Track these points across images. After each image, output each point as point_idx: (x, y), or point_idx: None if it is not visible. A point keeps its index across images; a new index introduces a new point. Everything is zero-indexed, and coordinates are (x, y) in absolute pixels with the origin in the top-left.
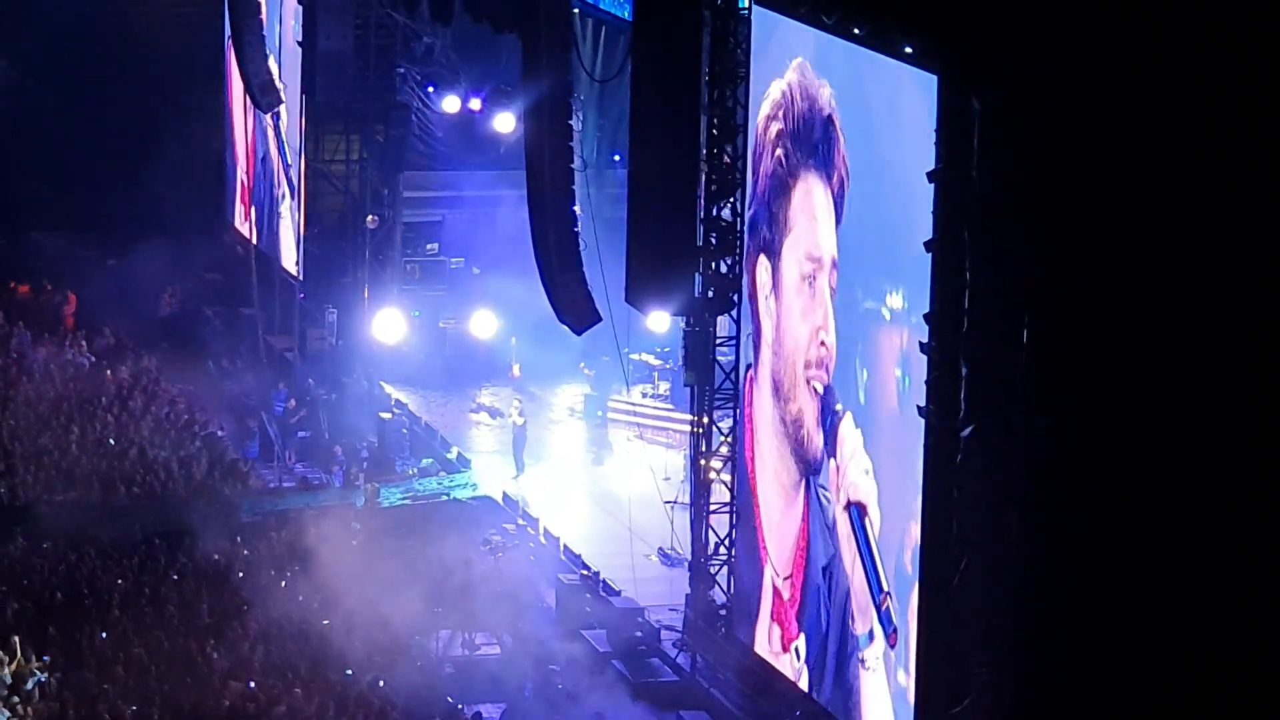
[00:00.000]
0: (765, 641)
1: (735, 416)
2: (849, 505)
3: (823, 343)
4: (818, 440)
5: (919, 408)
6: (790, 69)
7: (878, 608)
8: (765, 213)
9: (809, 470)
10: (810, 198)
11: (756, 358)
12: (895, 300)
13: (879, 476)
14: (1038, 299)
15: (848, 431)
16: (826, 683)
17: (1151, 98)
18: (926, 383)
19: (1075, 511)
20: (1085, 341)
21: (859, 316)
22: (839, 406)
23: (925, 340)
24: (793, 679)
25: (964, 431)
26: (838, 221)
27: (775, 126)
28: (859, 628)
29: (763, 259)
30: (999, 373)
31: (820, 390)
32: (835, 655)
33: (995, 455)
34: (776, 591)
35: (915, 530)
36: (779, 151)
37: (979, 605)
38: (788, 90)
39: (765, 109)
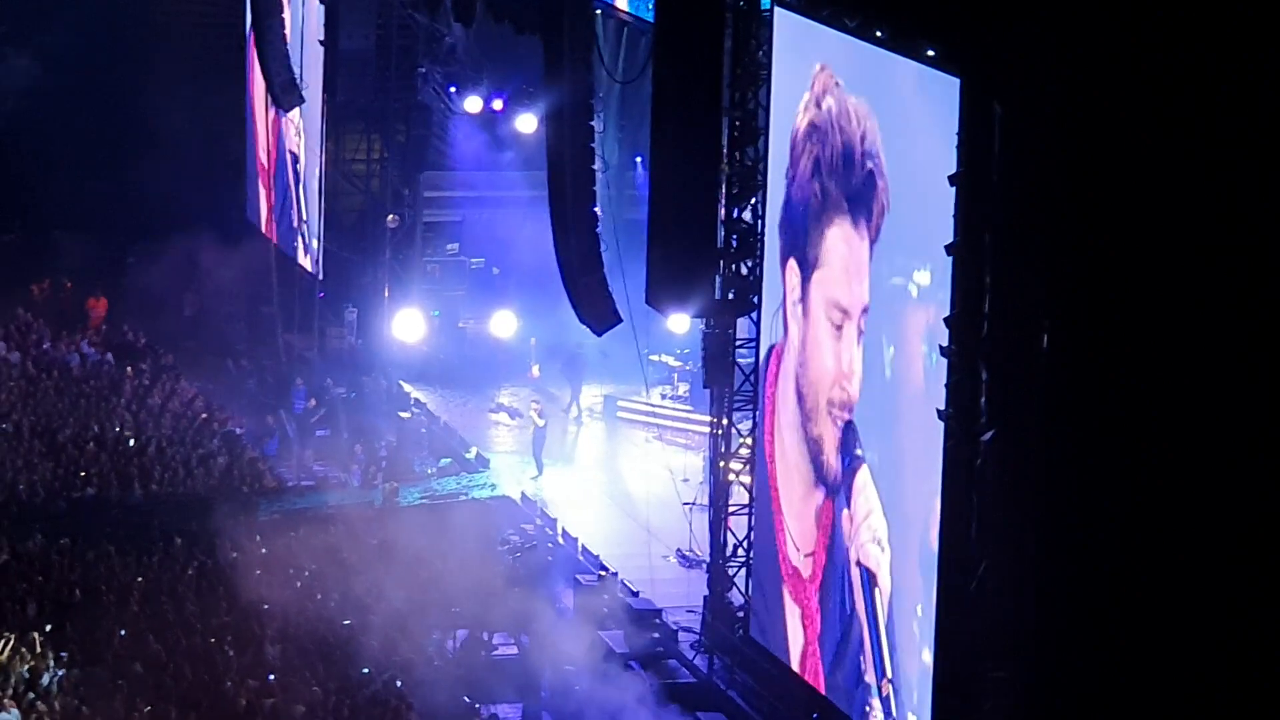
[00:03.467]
0: (782, 623)
1: (754, 418)
2: (860, 565)
3: (845, 389)
4: (836, 468)
5: (938, 411)
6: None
7: (878, 689)
8: (802, 224)
9: (830, 493)
10: (846, 245)
11: (783, 342)
12: (923, 277)
13: (893, 541)
14: (1058, 303)
15: (864, 483)
16: (848, 662)
17: (1174, 102)
18: (946, 386)
19: (1093, 516)
20: (1105, 346)
21: (886, 292)
22: (859, 451)
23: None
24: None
25: (984, 436)
26: (871, 257)
27: (811, 148)
28: (867, 676)
29: (793, 263)
30: (1019, 377)
31: (841, 425)
32: (854, 644)
33: (1014, 460)
34: (796, 571)
35: (927, 592)
36: (815, 183)
37: (996, 610)
38: (827, 116)
39: (804, 118)
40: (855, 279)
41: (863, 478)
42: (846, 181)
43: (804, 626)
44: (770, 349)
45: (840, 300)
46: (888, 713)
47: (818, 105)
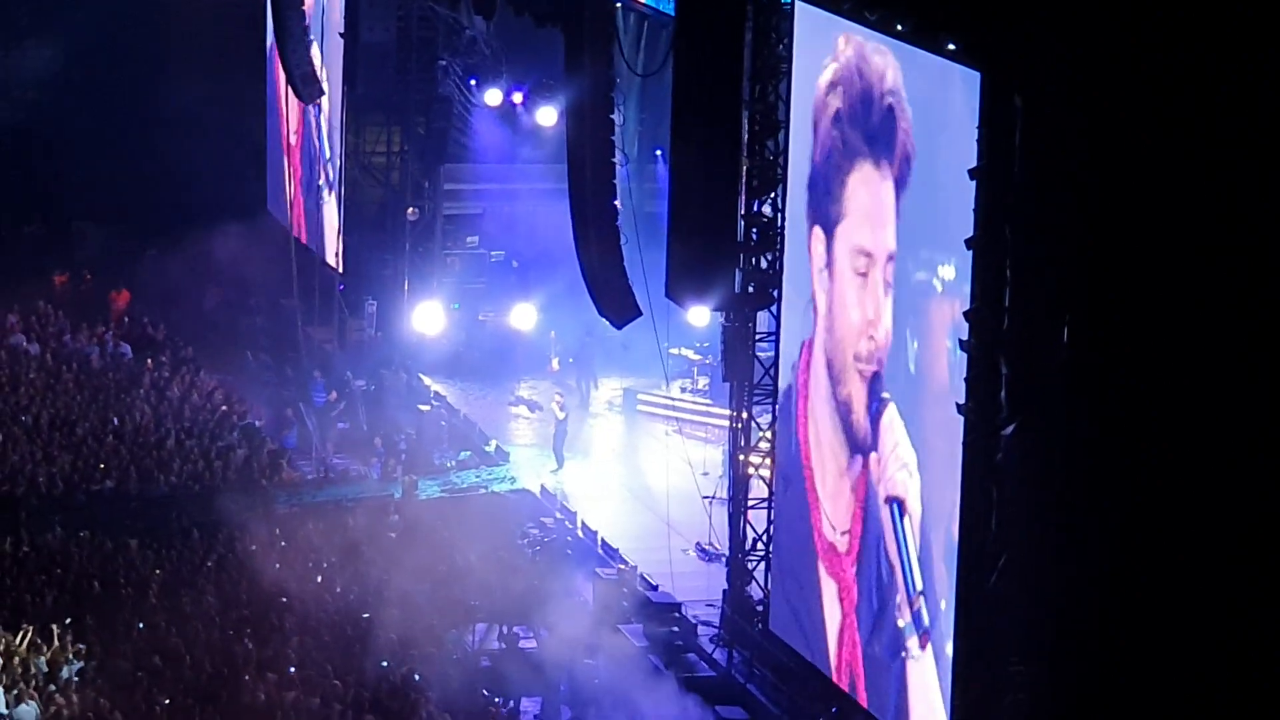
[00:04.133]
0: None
1: (774, 411)
2: (889, 500)
3: (872, 338)
4: (866, 425)
5: (958, 405)
6: (851, 41)
7: (911, 605)
8: (823, 185)
9: (860, 451)
10: (866, 189)
11: (814, 327)
12: (947, 271)
13: (923, 470)
14: (1079, 297)
15: (891, 421)
16: (886, 632)
17: (1195, 96)
18: (966, 380)
19: (1114, 510)
20: (1126, 340)
21: (910, 288)
22: (885, 394)
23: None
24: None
25: (1005, 430)
26: (898, 213)
27: (834, 103)
28: (901, 619)
29: (818, 229)
30: (1039, 371)
31: (869, 377)
32: (891, 616)
33: (1034, 454)
34: (831, 546)
35: (955, 529)
36: (835, 133)
37: (1017, 604)
38: (850, 60)
39: (826, 75)
40: (878, 224)
41: (889, 416)
42: (866, 123)
43: (840, 600)
44: (802, 343)
45: (863, 245)
46: (919, 624)
47: (837, 60)
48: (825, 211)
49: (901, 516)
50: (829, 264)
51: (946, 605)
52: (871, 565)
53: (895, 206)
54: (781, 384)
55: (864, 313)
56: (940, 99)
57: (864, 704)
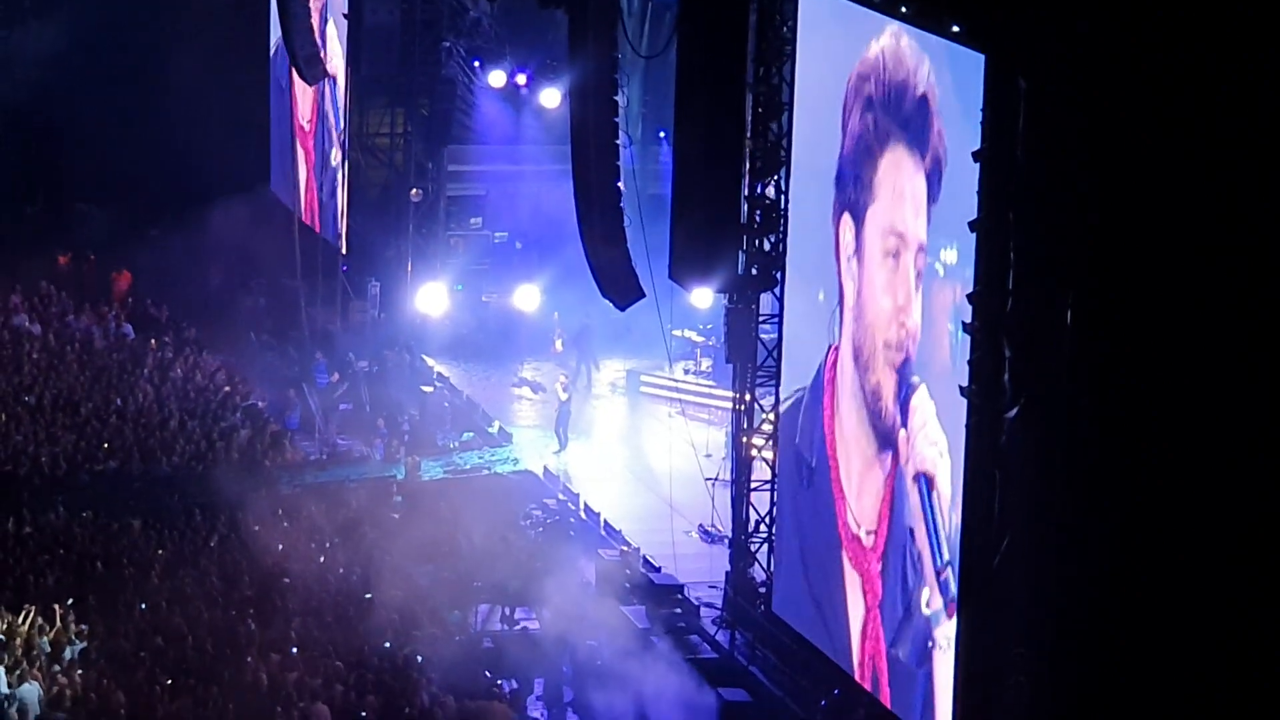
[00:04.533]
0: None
1: (776, 394)
2: (917, 476)
3: (903, 324)
4: (894, 412)
5: (961, 388)
6: (886, 33)
7: (938, 576)
8: (851, 173)
9: (887, 443)
10: (897, 171)
11: (840, 327)
12: (950, 255)
13: (954, 453)
14: (1082, 280)
15: (921, 402)
16: (911, 641)
17: (1200, 78)
18: (969, 363)
19: (1118, 494)
20: (1129, 323)
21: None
22: (915, 378)
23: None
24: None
25: (1009, 413)
26: (931, 202)
27: (866, 88)
28: (931, 605)
29: (847, 218)
30: (1042, 353)
31: (899, 364)
32: (919, 621)
33: (1038, 436)
34: (856, 539)
35: None
36: (868, 116)
37: (1020, 587)
38: (881, 54)
39: (857, 66)
40: (911, 207)
41: (919, 397)
42: (898, 109)
43: (864, 594)
44: (829, 346)
45: (895, 225)
46: (945, 593)
47: (869, 53)
48: (854, 200)
49: (930, 492)
50: (858, 251)
51: None
52: (898, 563)
53: (927, 198)
54: (804, 382)
55: (894, 299)
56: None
57: (887, 702)
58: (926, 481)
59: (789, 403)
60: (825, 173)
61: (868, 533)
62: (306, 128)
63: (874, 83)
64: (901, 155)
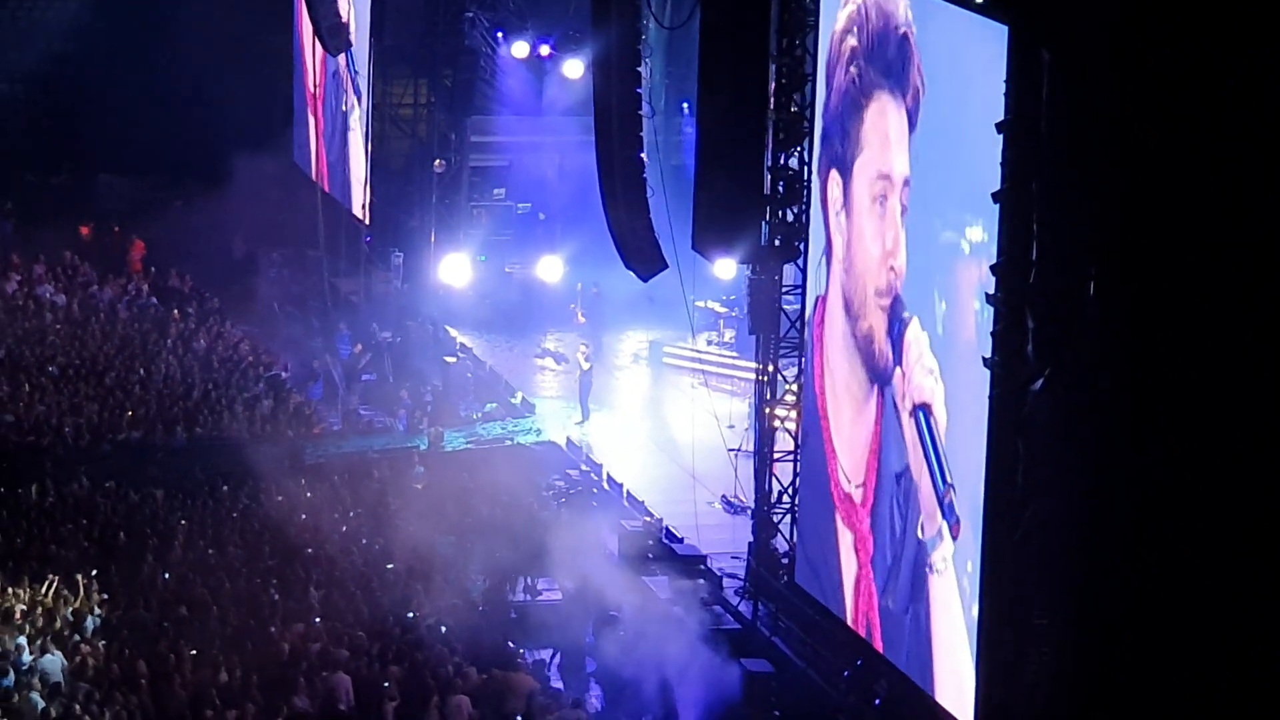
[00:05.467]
0: (835, 552)
1: (800, 364)
2: (915, 409)
3: (892, 268)
4: (888, 351)
5: (984, 359)
6: None
7: (940, 501)
8: (838, 128)
9: (879, 380)
10: (884, 118)
11: (828, 278)
12: (975, 233)
13: (945, 376)
14: (1105, 251)
15: (914, 335)
16: (899, 587)
17: (1223, 50)
18: (993, 334)
19: (1141, 465)
20: (1153, 294)
21: (938, 249)
22: (906, 314)
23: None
24: (860, 586)
25: (1034, 385)
26: (911, 132)
27: (850, 42)
28: (927, 531)
29: (834, 174)
30: (1065, 325)
31: (889, 304)
32: (909, 561)
33: (1061, 408)
34: (848, 497)
35: (982, 433)
36: (852, 69)
37: (1043, 558)
38: (863, 4)
39: (840, 22)
40: (896, 150)
41: (912, 330)
42: (882, 57)
43: (856, 551)
44: (817, 298)
45: (881, 169)
46: (950, 515)
47: (851, 3)
48: (841, 154)
49: (928, 419)
50: (846, 204)
51: (974, 501)
52: (885, 513)
53: (908, 137)
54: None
55: (883, 244)
56: (956, 43)
57: (880, 649)
58: (925, 411)
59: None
60: (817, 132)
61: (856, 487)
62: (316, 94)
63: (857, 34)
64: (886, 102)
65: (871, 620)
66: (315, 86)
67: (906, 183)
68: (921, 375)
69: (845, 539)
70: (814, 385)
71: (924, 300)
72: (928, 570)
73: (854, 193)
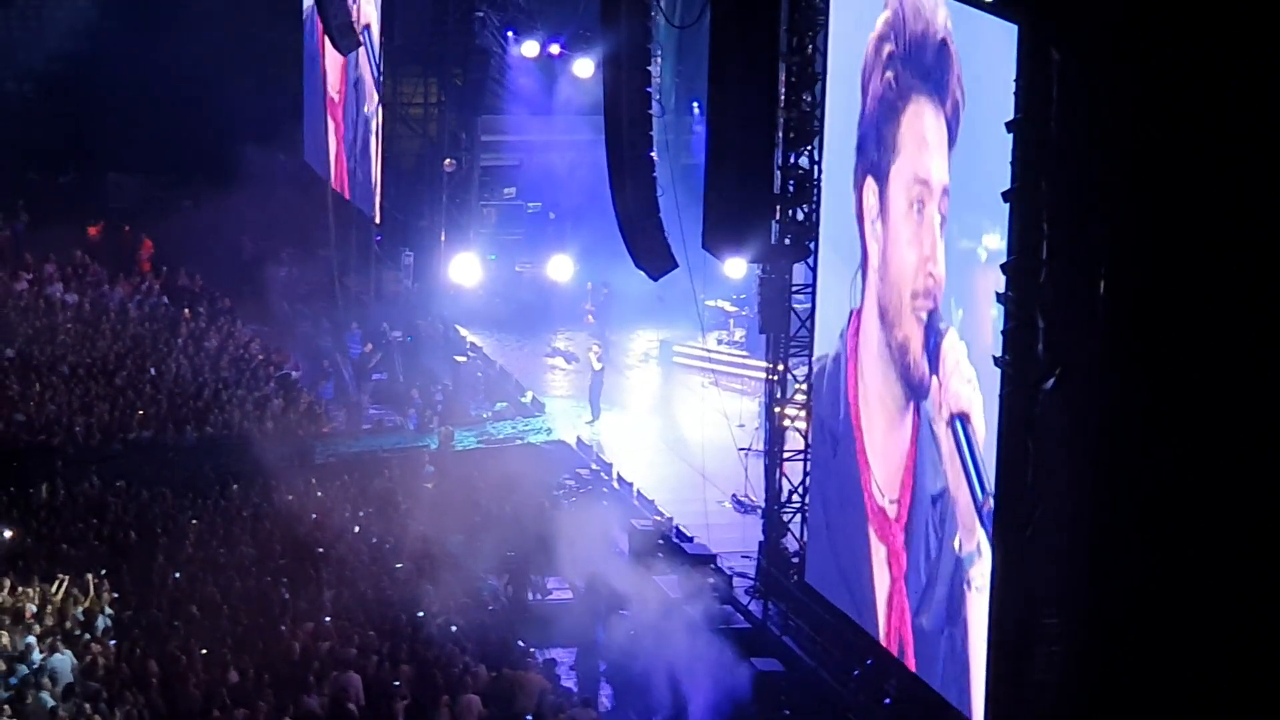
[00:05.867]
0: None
1: (810, 364)
2: (952, 418)
3: (930, 274)
4: (924, 364)
5: (994, 359)
6: None
7: (979, 511)
8: (874, 134)
9: (915, 395)
10: (920, 121)
11: (864, 291)
12: (992, 240)
13: (984, 387)
14: (1116, 251)
15: (951, 345)
16: (934, 606)
17: (1232, 49)
18: (1003, 334)
19: (1150, 465)
20: (1164, 294)
21: (957, 256)
22: (943, 325)
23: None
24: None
25: (1046, 384)
26: (950, 147)
27: (886, 47)
28: (965, 547)
29: (870, 181)
30: (1076, 325)
31: (926, 314)
32: (945, 579)
33: (1071, 408)
34: (881, 510)
35: None
36: (889, 74)
37: (1052, 557)
38: (900, 9)
39: (877, 28)
40: (935, 155)
41: (950, 340)
42: (920, 62)
43: (890, 565)
44: (851, 312)
45: (918, 174)
46: (988, 526)
47: (889, 8)
48: (877, 161)
49: (966, 428)
50: (882, 211)
51: None
52: (921, 529)
53: (948, 146)
54: (829, 350)
55: (920, 250)
56: (993, 51)
57: (912, 668)
58: (963, 421)
59: (815, 369)
60: (848, 139)
61: (891, 502)
62: (336, 99)
63: (894, 39)
64: (923, 105)
65: (904, 638)
66: (334, 93)
67: (946, 192)
68: (960, 384)
69: (879, 553)
70: (847, 394)
71: (962, 309)
72: (965, 587)
73: (890, 198)
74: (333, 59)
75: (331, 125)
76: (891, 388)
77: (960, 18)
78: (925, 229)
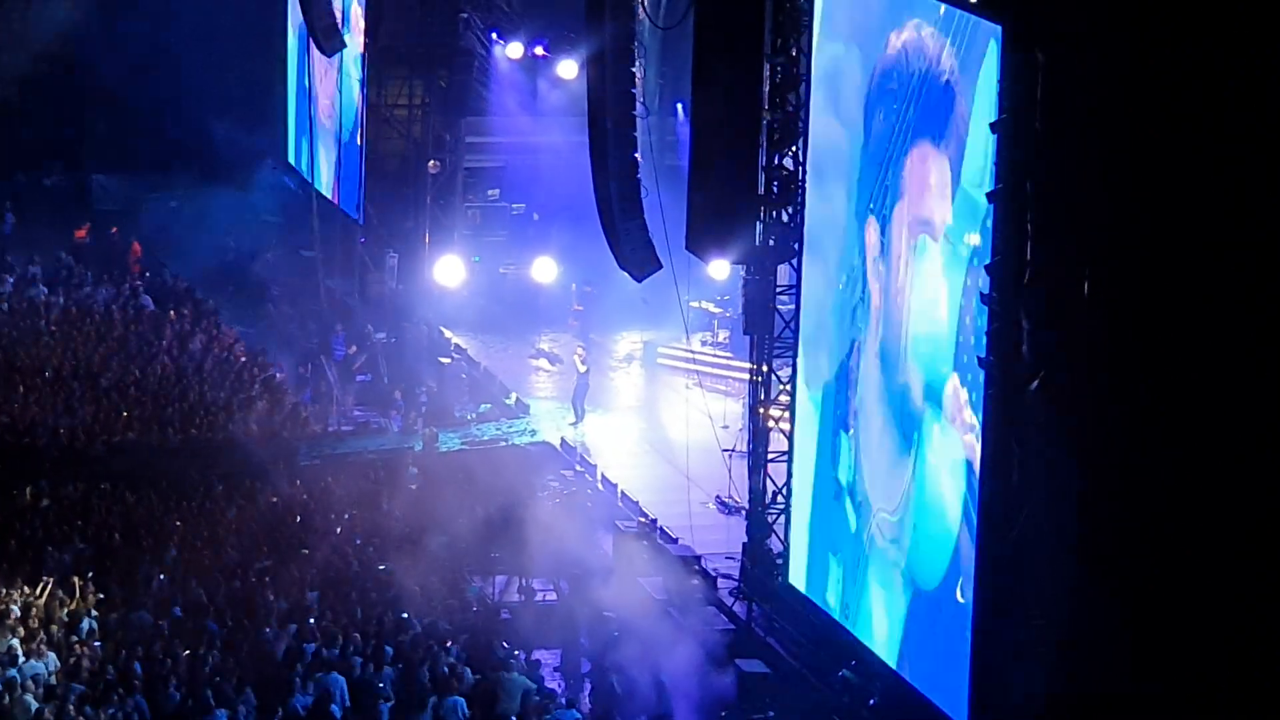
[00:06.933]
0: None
1: (794, 365)
2: (955, 465)
3: (932, 317)
4: (924, 406)
5: (979, 359)
6: (907, 26)
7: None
8: (876, 175)
9: (914, 441)
10: (923, 163)
11: (867, 328)
12: (974, 239)
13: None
14: (1099, 251)
15: (953, 389)
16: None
17: (1217, 50)
18: (987, 334)
19: (1136, 464)
20: (1147, 294)
21: (958, 297)
22: (944, 369)
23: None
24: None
25: (1031, 385)
26: (955, 183)
27: (890, 86)
28: (966, 594)
29: (872, 220)
30: (1059, 325)
31: (927, 358)
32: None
33: (1055, 407)
34: (885, 548)
35: None
36: (892, 114)
37: (1037, 558)
38: (903, 48)
39: (879, 64)
40: (938, 195)
41: (951, 385)
42: (923, 100)
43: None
44: (853, 342)
45: (921, 214)
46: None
47: (890, 49)
48: (881, 200)
49: (970, 475)
50: (884, 251)
51: None
52: (925, 566)
53: (951, 181)
54: (829, 375)
55: (922, 293)
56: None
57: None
58: (968, 466)
59: (819, 390)
60: (846, 165)
61: (891, 541)
62: (327, 104)
63: (896, 79)
64: (926, 147)
65: (891, 639)
66: (322, 98)
67: (948, 233)
68: (963, 431)
69: (879, 589)
70: (847, 428)
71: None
72: (954, 593)
73: (893, 239)
74: (321, 65)
75: (318, 126)
76: (890, 431)
77: (965, 58)
78: (929, 270)
